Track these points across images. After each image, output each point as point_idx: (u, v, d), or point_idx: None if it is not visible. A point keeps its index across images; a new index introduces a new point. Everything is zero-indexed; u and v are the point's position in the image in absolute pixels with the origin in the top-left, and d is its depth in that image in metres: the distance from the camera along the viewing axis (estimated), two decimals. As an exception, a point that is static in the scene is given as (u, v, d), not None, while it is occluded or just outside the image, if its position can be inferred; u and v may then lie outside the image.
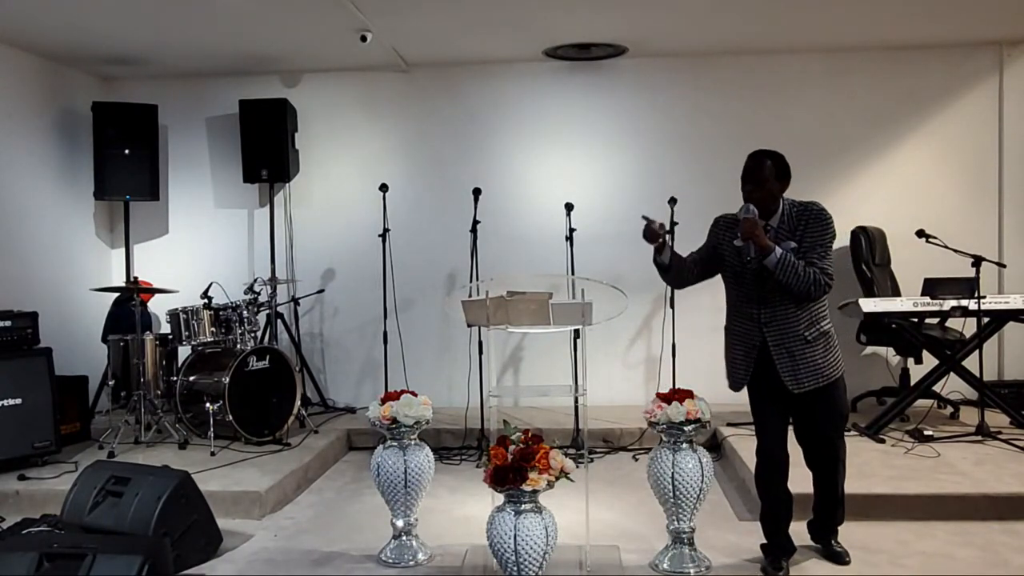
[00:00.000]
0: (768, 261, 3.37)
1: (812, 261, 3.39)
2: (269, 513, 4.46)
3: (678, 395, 3.62)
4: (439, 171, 6.52)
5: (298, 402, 5.52)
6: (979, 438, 5.00)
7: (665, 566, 3.62)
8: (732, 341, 3.62)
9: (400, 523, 3.81)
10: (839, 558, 3.68)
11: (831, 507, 3.72)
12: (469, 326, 4.05)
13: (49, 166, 6.09)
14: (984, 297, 5.08)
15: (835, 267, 3.57)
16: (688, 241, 5.91)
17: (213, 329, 5.42)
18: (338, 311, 6.66)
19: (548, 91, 6.45)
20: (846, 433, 5.30)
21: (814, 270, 3.37)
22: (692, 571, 3.58)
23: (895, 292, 5.87)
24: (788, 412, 3.58)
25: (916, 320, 5.31)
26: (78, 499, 3.82)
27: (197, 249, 6.69)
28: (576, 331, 5.17)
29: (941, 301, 5.13)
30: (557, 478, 3.15)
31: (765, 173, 3.44)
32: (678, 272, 3.65)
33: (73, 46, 5.80)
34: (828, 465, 3.65)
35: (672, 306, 5.73)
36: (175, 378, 5.41)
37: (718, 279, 3.73)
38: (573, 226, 5.66)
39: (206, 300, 5.44)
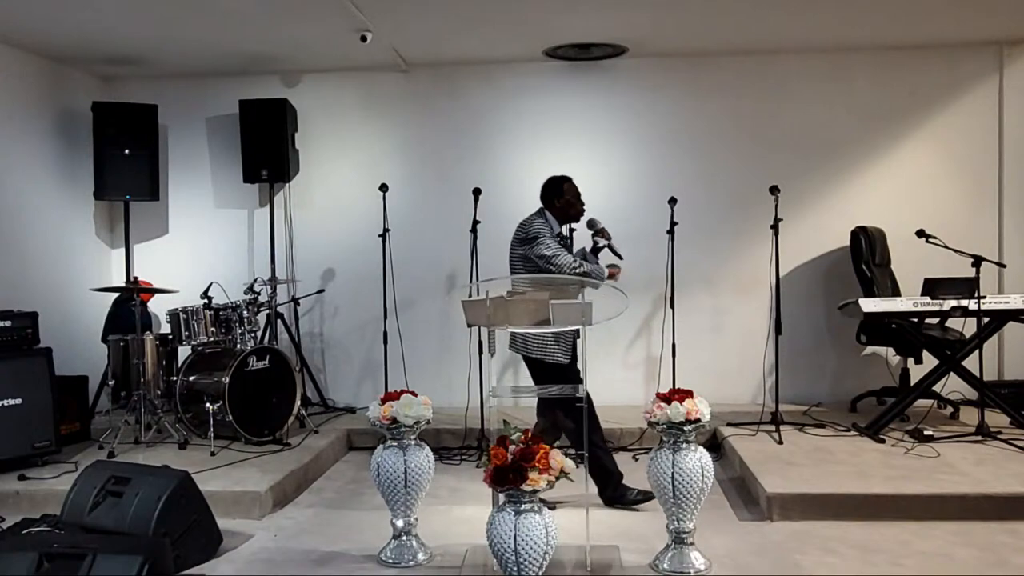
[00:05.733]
0: None
1: None
2: (269, 513, 4.46)
3: (678, 395, 3.61)
4: (439, 171, 6.52)
5: (298, 402, 5.52)
6: (979, 438, 5.00)
7: (665, 566, 3.61)
8: None
9: (400, 523, 3.81)
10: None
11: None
12: (469, 326, 4.04)
13: (49, 166, 6.08)
14: (984, 297, 5.08)
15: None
16: (688, 241, 5.97)
17: (213, 329, 5.42)
18: (338, 311, 6.66)
19: (548, 91, 6.45)
20: (846, 433, 5.37)
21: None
22: (692, 571, 3.58)
23: (895, 292, 5.87)
24: None
25: (916, 320, 5.31)
26: (78, 499, 3.82)
27: (197, 249, 6.69)
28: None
29: (941, 301, 5.12)
30: (557, 478, 3.15)
31: None
32: None
33: (73, 46, 5.80)
34: None
35: (672, 306, 5.72)
36: (175, 378, 5.41)
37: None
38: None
39: (206, 300, 5.44)
